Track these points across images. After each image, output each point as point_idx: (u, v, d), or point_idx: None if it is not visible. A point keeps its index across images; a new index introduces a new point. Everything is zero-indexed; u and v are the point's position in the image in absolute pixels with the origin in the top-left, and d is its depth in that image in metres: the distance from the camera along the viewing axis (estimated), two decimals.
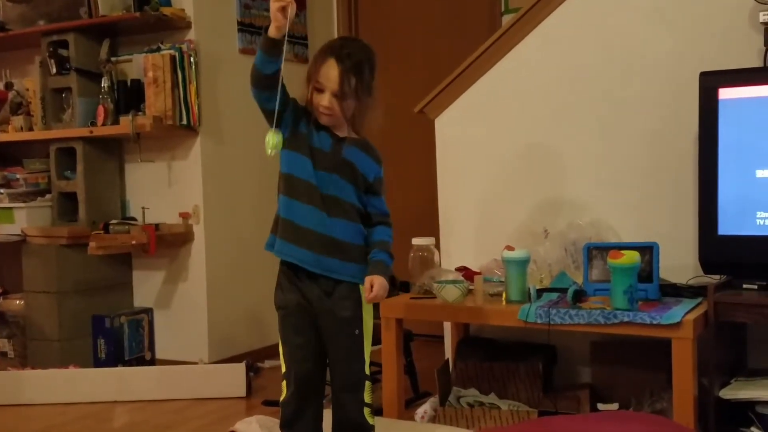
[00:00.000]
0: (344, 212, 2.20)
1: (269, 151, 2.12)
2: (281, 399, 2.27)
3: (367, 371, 2.25)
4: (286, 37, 2.08)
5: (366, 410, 2.24)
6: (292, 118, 2.20)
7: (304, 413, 2.24)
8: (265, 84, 2.12)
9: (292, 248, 2.18)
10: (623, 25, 2.95)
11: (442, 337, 3.34)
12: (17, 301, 4.14)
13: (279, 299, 2.26)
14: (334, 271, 2.19)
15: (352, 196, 2.21)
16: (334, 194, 2.19)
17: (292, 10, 2.04)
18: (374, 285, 2.16)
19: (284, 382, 2.26)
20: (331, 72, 2.13)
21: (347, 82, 2.13)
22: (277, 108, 2.12)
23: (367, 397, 2.24)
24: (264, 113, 2.17)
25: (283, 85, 2.14)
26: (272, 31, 2.07)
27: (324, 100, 2.15)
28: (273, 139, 2.12)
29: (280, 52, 2.09)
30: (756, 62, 2.69)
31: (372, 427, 2.26)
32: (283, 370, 2.26)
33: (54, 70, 4.03)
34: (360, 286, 2.21)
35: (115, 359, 3.89)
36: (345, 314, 2.20)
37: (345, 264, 2.20)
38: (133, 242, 3.80)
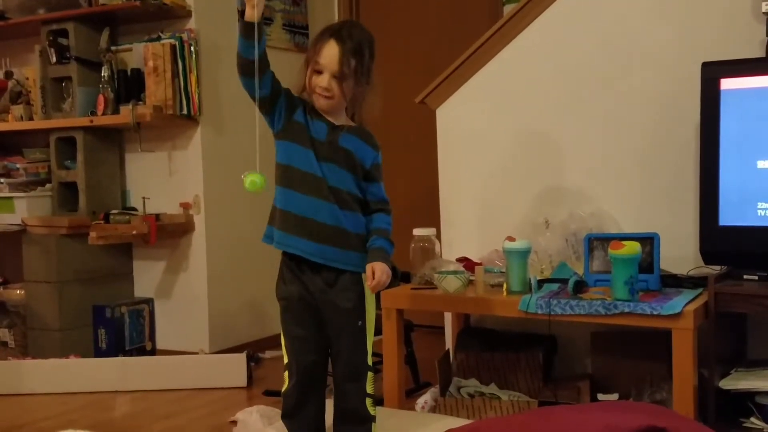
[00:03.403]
0: (343, 201, 2.19)
1: (254, 189, 2.11)
2: (283, 390, 2.27)
3: (370, 362, 2.25)
4: (263, 19, 2.07)
5: (368, 400, 2.24)
6: (286, 106, 2.18)
7: (306, 404, 2.25)
8: (251, 69, 2.09)
9: (293, 239, 2.17)
10: (625, 15, 2.94)
11: (442, 328, 3.35)
12: (17, 291, 4.14)
13: (281, 291, 2.25)
14: (336, 260, 2.18)
15: (350, 184, 2.20)
16: (333, 184, 2.18)
17: None
18: (375, 272, 2.14)
19: (286, 373, 2.26)
20: (331, 52, 2.12)
21: (347, 63, 2.12)
22: (262, 94, 2.10)
23: (368, 388, 2.24)
24: (257, 103, 2.15)
25: (272, 73, 2.13)
26: (248, 14, 2.06)
27: (323, 81, 2.13)
28: (252, 178, 2.11)
29: (259, 35, 2.07)
30: (758, 52, 2.68)
31: (373, 417, 2.26)
32: (285, 361, 2.26)
33: (54, 59, 4.02)
34: (363, 275, 2.20)
35: (115, 349, 3.89)
36: (347, 305, 2.20)
37: (347, 253, 2.19)
38: (134, 232, 3.79)
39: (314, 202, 2.16)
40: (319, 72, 2.14)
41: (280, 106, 2.18)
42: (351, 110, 2.22)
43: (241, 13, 2.08)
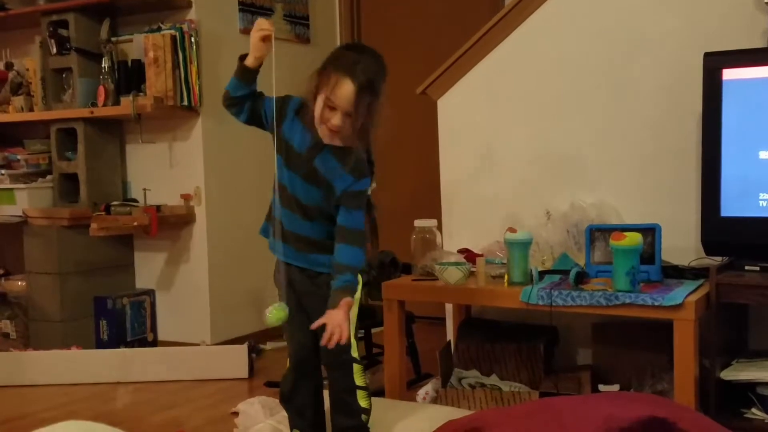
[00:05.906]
0: (313, 215, 2.18)
1: (278, 323, 2.12)
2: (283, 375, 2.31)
3: (355, 354, 2.25)
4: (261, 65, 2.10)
5: (359, 392, 2.24)
6: (274, 117, 2.16)
7: (301, 388, 2.28)
8: (232, 103, 2.14)
9: (278, 245, 2.22)
10: (627, 5, 2.93)
11: (443, 319, 3.34)
12: (19, 282, 4.15)
13: (275, 278, 2.29)
14: (316, 263, 2.22)
15: (318, 200, 2.16)
16: (301, 196, 2.16)
17: (272, 38, 2.05)
18: (327, 325, 2.01)
19: (288, 359, 2.29)
20: (347, 93, 2.03)
21: (362, 102, 2.03)
22: (242, 119, 2.17)
23: (358, 380, 2.24)
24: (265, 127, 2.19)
25: (255, 99, 2.14)
26: (250, 61, 2.07)
27: (336, 119, 2.05)
28: (278, 314, 2.09)
29: (254, 80, 2.10)
30: (760, 43, 2.67)
31: (365, 409, 2.26)
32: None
33: (54, 50, 4.01)
34: None
35: (117, 340, 3.90)
36: (327, 294, 2.17)
37: (319, 256, 2.21)
38: (135, 224, 3.80)
39: (288, 214, 2.19)
40: (332, 108, 2.06)
41: (269, 118, 2.17)
42: (359, 140, 2.13)
43: (242, 56, 2.09)
